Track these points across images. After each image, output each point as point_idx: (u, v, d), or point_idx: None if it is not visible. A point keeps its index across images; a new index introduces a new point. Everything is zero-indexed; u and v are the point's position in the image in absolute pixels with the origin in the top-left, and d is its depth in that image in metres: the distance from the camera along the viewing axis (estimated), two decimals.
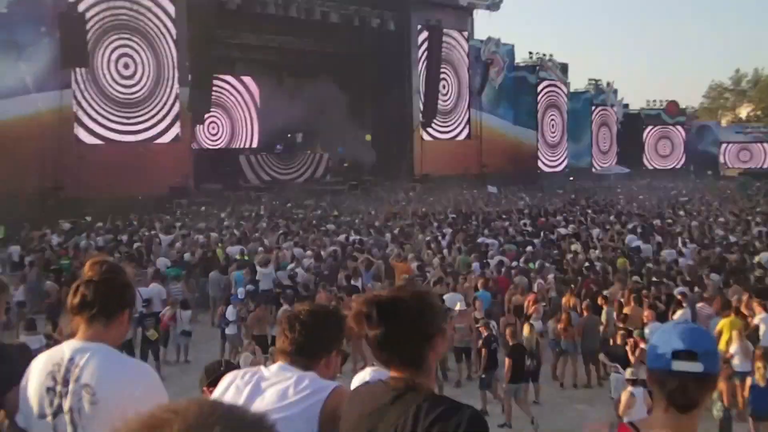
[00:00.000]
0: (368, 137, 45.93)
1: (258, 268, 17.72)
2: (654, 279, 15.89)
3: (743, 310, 12.57)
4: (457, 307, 13.28)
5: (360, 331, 2.27)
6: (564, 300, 14.82)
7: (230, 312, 14.54)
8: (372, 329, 2.22)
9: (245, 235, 24.12)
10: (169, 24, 36.71)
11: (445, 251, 20.68)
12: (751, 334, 11.89)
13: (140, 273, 16.92)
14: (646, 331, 11.72)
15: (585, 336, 13.27)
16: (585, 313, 13.56)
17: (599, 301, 14.06)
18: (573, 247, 20.62)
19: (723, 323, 11.94)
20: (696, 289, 14.83)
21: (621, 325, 12.65)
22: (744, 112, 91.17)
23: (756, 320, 12.33)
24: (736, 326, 11.64)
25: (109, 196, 31.04)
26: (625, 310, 13.30)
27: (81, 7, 31.77)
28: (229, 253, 20.66)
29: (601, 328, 13.55)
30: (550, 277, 16.73)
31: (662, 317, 12.52)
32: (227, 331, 14.56)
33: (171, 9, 36.67)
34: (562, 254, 20.00)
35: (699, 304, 13.57)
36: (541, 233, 24.00)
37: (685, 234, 23.21)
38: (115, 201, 30.42)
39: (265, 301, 15.19)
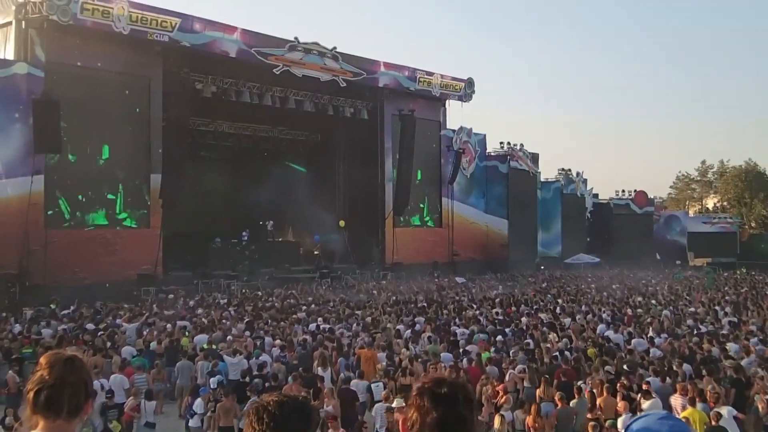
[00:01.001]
0: (341, 223, 46.00)
1: (226, 357, 17.41)
2: (626, 368, 15.78)
3: (710, 401, 12.49)
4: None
5: (424, 412, 2.43)
6: (538, 391, 14.63)
7: (197, 404, 14.18)
8: (445, 409, 2.41)
9: (213, 323, 23.79)
10: (144, 110, 36.95)
11: (420, 340, 20.46)
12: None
13: (104, 363, 16.54)
14: (619, 422, 11.56)
15: (559, 427, 13.05)
16: (559, 404, 13.38)
17: (574, 391, 13.90)
18: (549, 337, 20.51)
19: (687, 413, 11.82)
20: (667, 379, 14.72)
21: (589, 416, 12.46)
22: (711, 202, 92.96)
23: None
24: (701, 420, 11.53)
25: (75, 283, 30.67)
26: (599, 401, 13.15)
27: (55, 93, 31.84)
28: (196, 342, 20.30)
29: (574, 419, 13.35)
30: (522, 366, 16.56)
31: (634, 408, 12.38)
32: (190, 423, 14.16)
33: (146, 95, 36.97)
34: (535, 343, 19.89)
35: (673, 396, 13.45)
36: (513, 323, 23.98)
37: (656, 324, 23.23)
38: (82, 288, 30.00)
39: (233, 391, 14.84)
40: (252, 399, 13.60)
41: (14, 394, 15.60)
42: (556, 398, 13.55)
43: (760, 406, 12.74)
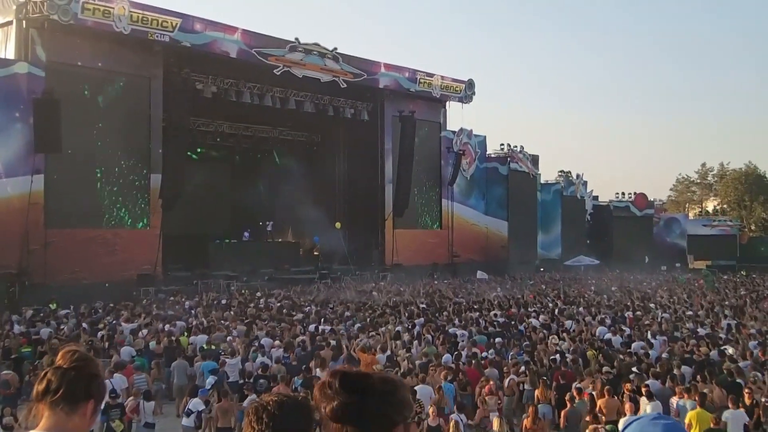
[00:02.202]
0: (338, 225, 45.98)
1: (225, 358, 17.40)
2: (635, 371, 15.76)
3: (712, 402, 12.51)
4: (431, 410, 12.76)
5: (321, 403, 2.26)
6: (537, 393, 14.63)
7: (194, 403, 14.16)
8: (332, 401, 2.22)
9: (212, 324, 23.79)
10: (144, 110, 36.97)
11: (415, 342, 20.44)
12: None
13: (103, 363, 16.50)
14: (620, 423, 11.53)
15: (568, 428, 13.05)
16: (569, 404, 13.38)
17: (573, 392, 13.88)
18: (550, 340, 20.50)
19: (691, 415, 11.82)
20: (668, 382, 14.72)
21: (588, 418, 12.44)
22: (710, 205, 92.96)
23: (724, 416, 12.20)
24: (704, 421, 11.52)
25: (75, 282, 30.67)
26: (599, 403, 13.13)
27: (56, 93, 31.85)
28: (195, 342, 20.29)
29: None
30: (522, 368, 16.56)
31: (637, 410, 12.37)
32: (183, 422, 14.12)
33: (146, 96, 37.00)
34: (533, 346, 19.88)
35: (673, 398, 13.46)
36: (512, 324, 24.00)
37: (655, 326, 23.22)
38: (81, 288, 30.00)
39: (231, 392, 14.83)
40: (250, 397, 13.62)
41: (13, 394, 15.60)
42: (566, 398, 13.55)
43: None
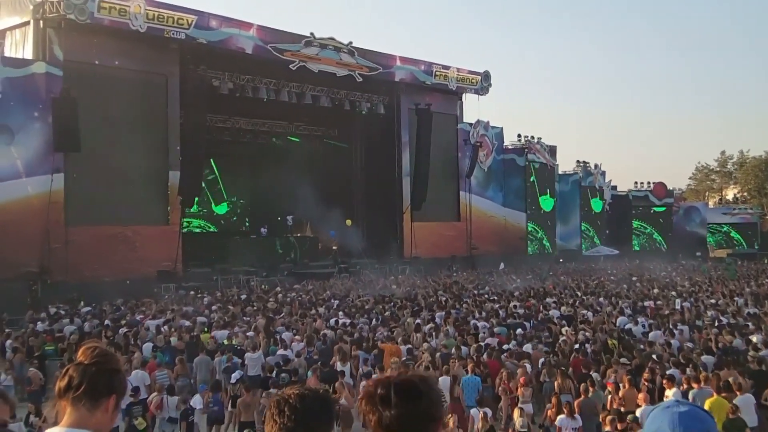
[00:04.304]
0: (349, 222, 45.91)
1: (247, 353, 17.48)
2: (655, 359, 15.67)
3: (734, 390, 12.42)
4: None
5: (368, 413, 2.32)
6: (556, 383, 14.58)
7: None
8: (386, 410, 2.28)
9: (233, 318, 23.89)
10: (161, 108, 37.13)
11: (434, 334, 20.44)
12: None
13: (125, 360, 16.62)
14: (638, 412, 11.49)
15: (583, 418, 12.98)
16: (582, 395, 13.31)
17: (588, 383, 13.81)
18: (568, 330, 20.43)
19: (709, 402, 11.73)
20: (688, 371, 14.61)
21: (608, 408, 12.37)
22: (730, 193, 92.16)
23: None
24: (722, 409, 11.44)
25: (95, 280, 30.87)
26: (621, 393, 13.07)
27: (74, 92, 32.04)
28: (216, 337, 20.38)
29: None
30: (542, 360, 16.52)
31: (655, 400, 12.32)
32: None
33: (163, 93, 37.15)
34: (554, 337, 19.81)
35: (695, 386, 13.36)
36: (532, 316, 23.93)
37: (677, 315, 23.08)
38: (102, 285, 30.21)
39: (253, 386, 14.88)
40: (271, 391, 13.67)
41: (36, 391, 15.76)
42: (580, 390, 13.49)
43: None
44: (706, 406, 11.60)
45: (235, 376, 15.66)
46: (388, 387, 2.30)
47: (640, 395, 12.44)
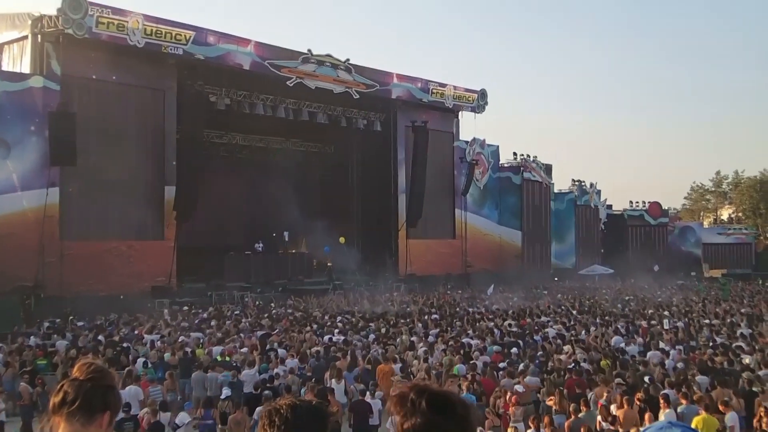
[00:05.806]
0: (342, 240, 45.85)
1: (241, 369, 17.42)
2: (647, 380, 15.64)
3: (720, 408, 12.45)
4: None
5: (396, 414, 2.29)
6: (551, 402, 14.55)
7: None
8: (414, 418, 2.24)
9: (227, 334, 23.83)
10: (158, 123, 37.19)
11: (429, 352, 20.38)
12: None
13: (118, 375, 16.54)
14: None
15: None
16: (573, 416, 13.28)
17: (581, 403, 13.78)
18: (563, 348, 20.40)
19: (697, 420, 11.73)
20: (683, 390, 14.59)
21: (611, 428, 12.34)
22: (725, 213, 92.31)
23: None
24: (712, 427, 11.45)
25: (90, 294, 30.77)
26: (619, 413, 13.03)
27: (71, 106, 32.08)
28: (210, 353, 20.31)
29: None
30: (536, 379, 16.49)
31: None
32: None
33: (160, 108, 37.22)
34: (548, 356, 19.78)
35: (683, 402, 13.36)
36: (526, 334, 23.90)
37: (671, 335, 23.07)
38: (97, 300, 30.11)
39: (245, 403, 14.80)
40: (259, 409, 13.58)
41: (27, 406, 15.67)
42: (570, 409, 13.46)
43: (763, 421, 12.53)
44: (696, 424, 11.62)
45: (226, 392, 15.56)
46: (422, 394, 2.27)
47: (637, 415, 12.40)
